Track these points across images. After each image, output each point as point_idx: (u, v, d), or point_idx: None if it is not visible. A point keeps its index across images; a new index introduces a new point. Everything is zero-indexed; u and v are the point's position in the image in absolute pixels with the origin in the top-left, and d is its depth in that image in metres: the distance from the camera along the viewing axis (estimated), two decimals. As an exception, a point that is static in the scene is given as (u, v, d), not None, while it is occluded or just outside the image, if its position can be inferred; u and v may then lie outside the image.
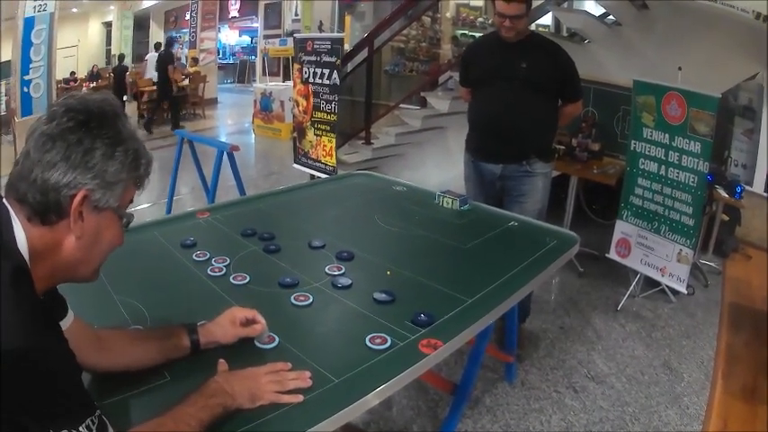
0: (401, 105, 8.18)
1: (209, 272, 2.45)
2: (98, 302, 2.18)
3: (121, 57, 16.39)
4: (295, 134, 6.92)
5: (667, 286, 4.70)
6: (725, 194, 5.22)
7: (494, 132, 3.83)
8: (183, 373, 1.75)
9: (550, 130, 3.95)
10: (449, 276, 2.46)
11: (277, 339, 1.93)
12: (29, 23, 7.95)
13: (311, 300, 2.19)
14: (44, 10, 8.10)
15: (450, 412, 3.02)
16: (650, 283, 4.80)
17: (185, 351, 1.78)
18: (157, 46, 15.95)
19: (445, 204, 3.39)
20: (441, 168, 6.67)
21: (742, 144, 6.30)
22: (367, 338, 1.91)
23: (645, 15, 5.68)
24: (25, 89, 8.14)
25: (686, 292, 4.51)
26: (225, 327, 1.84)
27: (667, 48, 5.35)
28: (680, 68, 4.37)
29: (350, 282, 2.34)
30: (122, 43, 20.52)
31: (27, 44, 8.01)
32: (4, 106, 12.79)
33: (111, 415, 1.50)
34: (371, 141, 7.81)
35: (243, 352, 1.84)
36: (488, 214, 3.33)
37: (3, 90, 12.85)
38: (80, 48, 19.81)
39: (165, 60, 13.65)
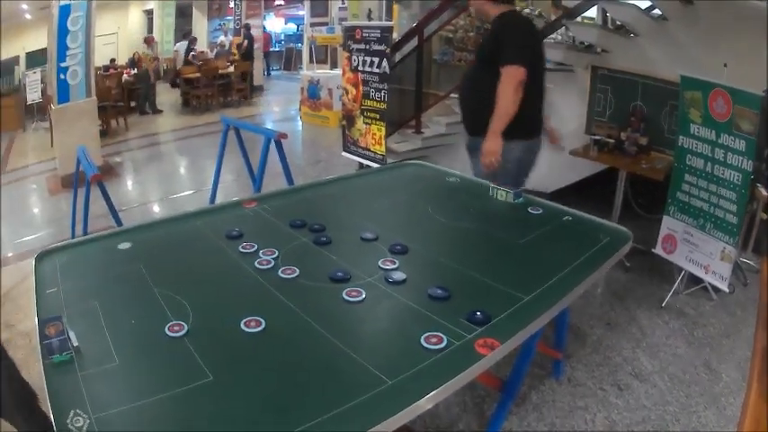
0: (451, 95, 8.13)
1: (256, 265, 2.43)
2: (137, 296, 2.18)
3: (193, 40, 17.38)
4: (344, 122, 6.94)
5: (710, 284, 4.62)
6: (765, 193, 5.13)
7: (461, 108, 4.25)
8: (227, 373, 1.74)
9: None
10: (504, 272, 2.41)
11: (263, 323, 1.93)
12: (64, 10, 7.94)
13: (364, 296, 2.15)
14: (80, -3, 8.11)
15: (498, 410, 2.98)
16: (693, 279, 4.71)
17: None
18: (186, 35, 16.56)
19: (499, 197, 3.35)
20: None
21: (780, 144, 6.20)
22: (422, 337, 1.87)
23: (690, 10, 5.58)
24: (62, 76, 8.14)
25: (728, 290, 4.44)
26: None
27: (712, 44, 5.25)
28: (725, 65, 4.29)
29: (404, 277, 2.29)
30: (164, 31, 20.65)
31: (63, 31, 8.00)
32: (39, 93, 12.90)
33: (146, 417, 1.49)
34: (422, 130, 7.79)
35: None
36: (542, 208, 3.24)
37: (39, 77, 12.96)
38: (120, 35, 19.94)
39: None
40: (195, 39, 17.76)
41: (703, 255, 4.43)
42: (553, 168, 6.10)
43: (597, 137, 5.39)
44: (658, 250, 4.78)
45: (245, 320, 1.97)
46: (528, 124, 3.95)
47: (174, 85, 16.28)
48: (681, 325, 4.32)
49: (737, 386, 3.61)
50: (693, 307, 4.58)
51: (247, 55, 16.59)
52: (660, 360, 3.88)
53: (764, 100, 3.91)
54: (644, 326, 4.29)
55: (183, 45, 16.10)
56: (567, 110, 6.32)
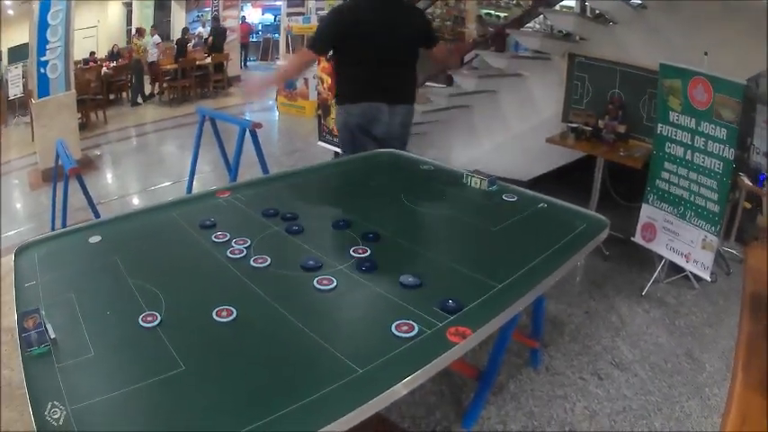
0: (427, 84, 8.08)
1: (228, 254, 2.40)
2: (112, 287, 2.17)
3: (185, 30, 17.61)
4: (320, 111, 6.90)
5: (691, 273, 4.61)
6: (748, 182, 5.12)
7: None
8: (199, 363, 1.72)
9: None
10: (477, 260, 2.39)
11: (235, 313, 1.92)
12: (45, 5, 7.95)
13: (335, 284, 2.13)
14: (60, -9, 8.09)
15: (475, 398, 2.98)
16: (674, 268, 4.70)
17: None
18: (156, 26, 16.81)
19: (473, 184, 3.31)
20: (466, 147, 6.59)
21: (764, 132, 6.19)
22: (393, 326, 1.85)
23: (670, -1, 5.58)
24: (42, 70, 8.13)
25: (710, 279, 4.43)
26: None
27: (692, 32, 5.24)
28: (706, 53, 4.28)
29: (375, 264, 2.27)
30: (143, 23, 20.54)
31: (43, 25, 8.01)
32: (21, 88, 12.85)
33: (120, 408, 1.47)
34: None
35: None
36: (517, 195, 3.20)
37: (20, 72, 12.91)
38: (100, 28, 19.81)
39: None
40: (187, 29, 17.88)
41: (684, 243, 4.43)
42: (530, 156, 6.10)
43: (574, 124, 5.39)
44: (637, 239, 4.78)
45: (216, 310, 1.95)
46: (348, 92, 4.41)
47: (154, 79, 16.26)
48: (662, 314, 4.33)
49: (721, 376, 3.61)
50: (674, 296, 4.58)
51: (214, 49, 16.60)
52: (641, 349, 3.88)
53: (747, 89, 3.91)
54: (624, 314, 4.28)
55: (156, 40, 16.09)
56: (543, 98, 6.32)
